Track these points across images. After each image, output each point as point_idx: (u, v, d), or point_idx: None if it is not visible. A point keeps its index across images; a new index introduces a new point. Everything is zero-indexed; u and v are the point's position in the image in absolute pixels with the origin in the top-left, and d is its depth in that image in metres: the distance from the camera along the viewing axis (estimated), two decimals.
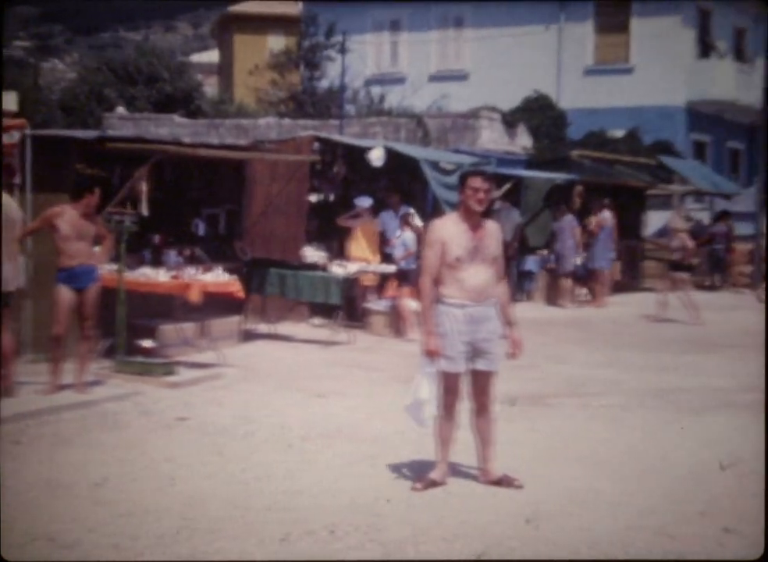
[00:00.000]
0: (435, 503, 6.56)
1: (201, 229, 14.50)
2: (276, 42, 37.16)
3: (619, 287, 21.23)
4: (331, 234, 16.39)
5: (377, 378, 11.31)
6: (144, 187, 11.97)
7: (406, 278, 14.71)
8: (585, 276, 19.58)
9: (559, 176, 20.52)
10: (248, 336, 13.62)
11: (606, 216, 19.72)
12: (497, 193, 17.56)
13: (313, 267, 14.59)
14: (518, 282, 19.34)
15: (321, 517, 6.17)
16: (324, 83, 30.95)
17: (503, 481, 6.91)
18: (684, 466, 7.64)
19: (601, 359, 13.01)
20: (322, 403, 9.85)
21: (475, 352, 6.86)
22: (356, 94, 30.65)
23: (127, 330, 10.81)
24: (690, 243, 17.33)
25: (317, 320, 15.15)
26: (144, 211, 11.90)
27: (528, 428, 8.84)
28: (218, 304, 12.46)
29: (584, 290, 19.98)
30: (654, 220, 24.89)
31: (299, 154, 15.22)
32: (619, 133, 29.72)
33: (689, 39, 31.90)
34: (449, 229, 6.87)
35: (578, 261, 19.31)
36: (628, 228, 22.13)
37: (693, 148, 32.46)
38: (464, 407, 7.07)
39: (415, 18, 34.03)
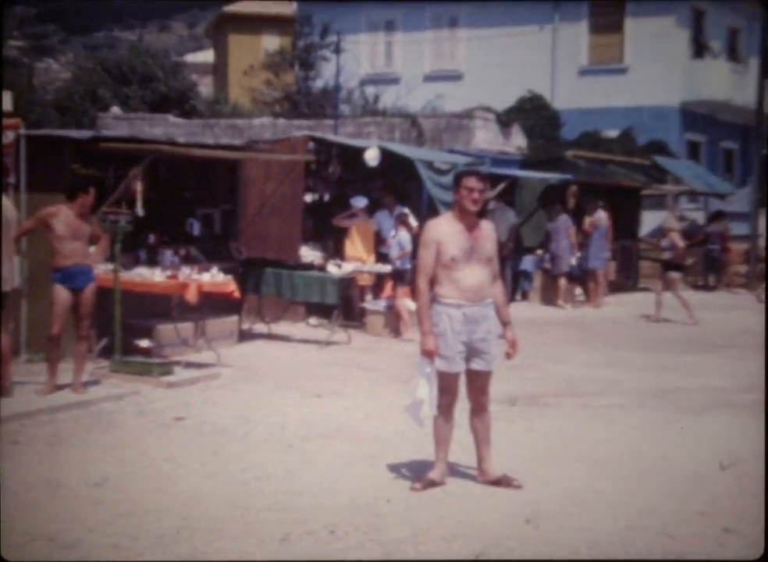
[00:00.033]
0: (434, 503, 6.55)
1: (196, 228, 14.47)
2: (271, 42, 37.13)
3: (614, 287, 21.23)
4: (326, 234, 16.38)
5: (375, 378, 11.30)
6: (138, 187, 11.94)
7: (402, 278, 14.70)
8: (581, 276, 19.58)
9: (553, 176, 20.53)
10: (245, 336, 13.61)
11: (601, 216, 19.73)
12: (492, 193, 17.56)
13: (309, 267, 14.58)
14: (514, 282, 19.34)
15: (320, 517, 6.16)
16: (319, 83, 30.98)
17: (501, 481, 6.90)
18: (683, 466, 7.64)
19: (599, 359, 13.01)
20: (320, 403, 9.83)
21: (472, 352, 6.85)
22: (350, 94, 30.67)
23: (124, 330, 10.79)
24: (680, 243, 17.33)
25: (314, 320, 15.14)
26: (139, 211, 11.87)
27: (527, 428, 8.83)
28: (214, 304, 12.45)
29: (580, 290, 19.98)
30: (649, 220, 24.89)
31: (294, 154, 15.21)
32: (613, 133, 29.77)
33: (683, 39, 31.94)
34: (445, 229, 6.86)
35: (574, 261, 19.31)
36: (623, 228, 22.14)
37: (687, 148, 32.51)
38: (463, 406, 7.05)
39: (410, 18, 34.04)
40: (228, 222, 14.78)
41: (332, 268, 14.40)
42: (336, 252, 15.85)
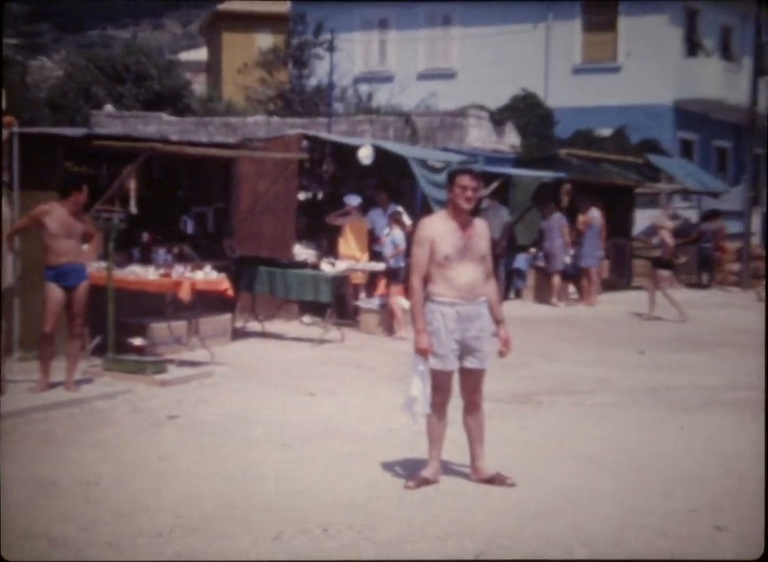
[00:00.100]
0: (428, 501, 6.55)
1: (190, 227, 14.46)
2: (265, 40, 37.08)
3: (608, 285, 21.26)
4: (320, 232, 16.37)
5: (368, 376, 11.30)
6: (132, 185, 11.92)
7: (395, 276, 14.70)
8: (575, 274, 19.59)
9: (547, 175, 20.55)
10: (238, 335, 13.59)
11: (594, 215, 19.74)
12: (485, 192, 17.56)
13: (302, 265, 14.56)
14: (507, 281, 19.35)
15: (314, 516, 6.16)
16: (312, 82, 30.96)
17: (495, 480, 6.90)
18: (676, 464, 7.64)
19: (593, 357, 13.02)
20: (313, 401, 9.83)
21: (466, 350, 6.85)
22: (344, 93, 30.65)
23: (117, 328, 10.77)
24: (670, 241, 17.37)
25: (307, 318, 15.13)
26: (133, 209, 11.86)
27: (521, 427, 8.84)
28: (207, 302, 12.43)
29: (573, 289, 20.00)
30: (642, 218, 24.93)
31: (287, 152, 15.20)
32: (606, 131, 29.79)
33: (676, 38, 31.97)
34: (438, 227, 6.86)
35: (568, 259, 19.32)
36: (616, 226, 22.15)
37: (680, 147, 32.54)
38: (456, 405, 7.05)
39: (403, 16, 34.03)
40: (221, 220, 14.76)
41: (326, 267, 14.39)
42: (330, 250, 15.85)
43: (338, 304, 14.49)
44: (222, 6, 42.12)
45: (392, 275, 14.79)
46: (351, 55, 32.18)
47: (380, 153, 15.94)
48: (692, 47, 32.64)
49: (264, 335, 13.98)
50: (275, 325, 14.60)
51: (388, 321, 14.48)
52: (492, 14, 32.25)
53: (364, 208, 15.85)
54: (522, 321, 15.69)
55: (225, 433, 8.38)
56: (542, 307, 18.75)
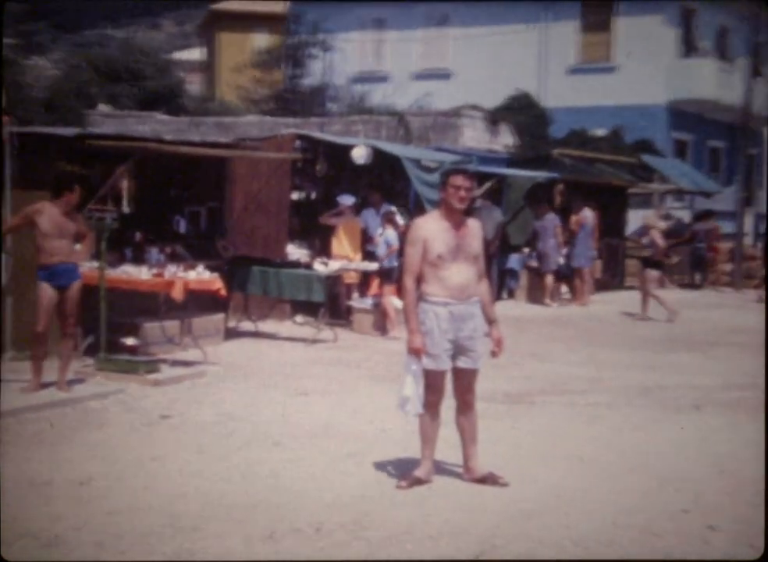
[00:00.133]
0: (420, 501, 6.55)
1: (183, 226, 14.46)
2: (261, 40, 37.08)
3: (600, 285, 21.28)
4: (313, 232, 16.37)
5: (361, 376, 11.29)
6: (125, 185, 11.91)
7: (388, 276, 14.69)
8: (568, 274, 19.61)
9: (540, 175, 20.56)
10: (231, 334, 13.59)
11: (587, 215, 19.76)
12: (479, 192, 17.56)
13: (295, 265, 14.56)
14: (500, 281, 19.37)
15: (306, 515, 6.16)
16: (307, 82, 30.93)
17: (487, 479, 6.90)
18: (669, 464, 7.65)
19: (585, 357, 13.03)
20: (306, 401, 9.83)
21: (459, 350, 6.85)
22: (339, 93, 30.64)
23: (109, 328, 10.76)
24: (660, 241, 17.39)
25: (300, 318, 15.13)
26: (125, 208, 11.84)
27: (514, 427, 8.84)
28: (200, 301, 12.43)
29: (566, 289, 20.02)
30: (635, 218, 24.96)
31: (281, 152, 15.19)
32: (601, 131, 29.79)
33: (672, 38, 31.98)
34: (431, 227, 6.85)
35: (561, 259, 19.34)
36: (609, 226, 22.19)
37: (674, 147, 32.56)
38: (449, 405, 7.05)
39: (399, 16, 34.01)
40: (214, 219, 14.77)
41: (319, 266, 14.39)
42: (323, 250, 15.85)
43: (331, 304, 14.48)
44: (218, 6, 42.09)
45: (385, 274, 14.78)
46: (347, 55, 32.18)
47: (374, 153, 15.94)
48: (688, 47, 32.66)
49: (257, 334, 13.98)
50: (267, 325, 14.60)
51: (381, 321, 14.47)
52: (488, 14, 32.25)
53: (357, 208, 15.85)
54: (515, 321, 15.71)
55: (217, 433, 8.37)
56: (535, 307, 18.76)
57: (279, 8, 36.49)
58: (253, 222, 15.03)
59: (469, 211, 7.58)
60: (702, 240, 24.11)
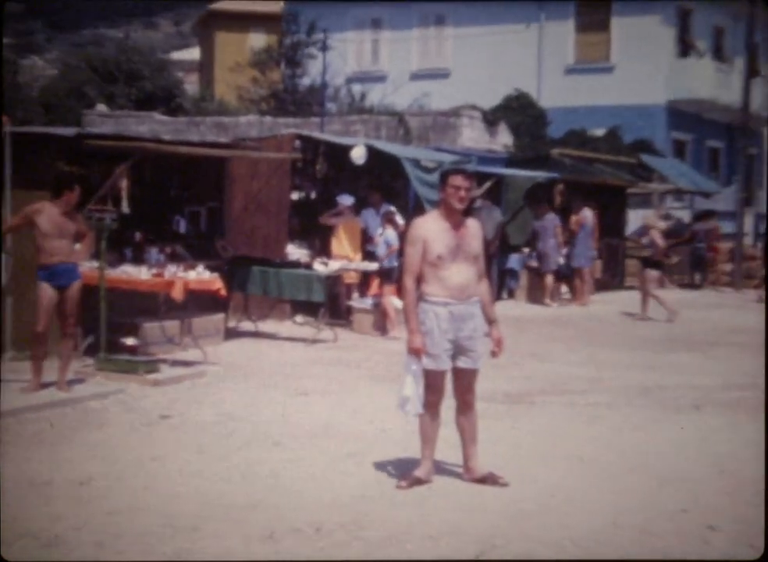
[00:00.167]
0: (420, 501, 6.54)
1: (182, 226, 14.45)
2: (257, 40, 37.10)
3: (600, 285, 21.29)
4: (313, 232, 16.37)
5: (361, 376, 11.29)
6: (124, 185, 11.91)
7: (388, 276, 14.69)
8: (568, 274, 19.61)
9: (539, 175, 20.55)
10: (231, 334, 13.59)
11: (586, 215, 19.76)
12: (478, 192, 17.57)
13: (295, 265, 14.56)
14: (500, 281, 19.37)
15: (306, 515, 6.15)
16: (305, 81, 30.94)
17: (487, 479, 6.90)
18: (669, 464, 7.65)
19: (585, 357, 13.03)
20: (306, 401, 9.82)
21: (459, 350, 6.85)
22: (337, 92, 30.64)
23: (109, 328, 10.75)
24: (659, 241, 17.40)
25: (300, 318, 15.13)
26: (125, 208, 11.84)
27: (514, 427, 8.83)
28: (200, 301, 12.42)
29: (566, 289, 20.02)
30: (635, 218, 24.97)
31: (280, 152, 15.20)
32: (599, 131, 29.81)
33: (669, 38, 31.99)
34: (431, 227, 6.85)
35: (561, 260, 19.34)
36: (609, 226, 22.20)
37: (673, 147, 32.58)
38: (449, 405, 7.05)
39: (396, 16, 34.02)
40: (214, 219, 14.76)
41: (319, 266, 14.38)
42: (323, 250, 15.85)
43: (331, 304, 14.48)
44: (215, 6, 42.11)
45: (385, 274, 14.78)
46: (344, 55, 32.19)
47: (373, 153, 15.94)
48: (685, 47, 32.67)
49: (256, 334, 13.97)
50: (267, 325, 14.59)
51: (381, 321, 14.47)
52: (485, 14, 32.26)
53: (356, 208, 15.85)
54: (515, 321, 15.71)
55: (217, 433, 8.37)
56: (535, 307, 18.76)
57: (276, 7, 36.50)
58: (253, 222, 15.03)
59: (469, 211, 7.58)
60: (702, 240, 24.12)
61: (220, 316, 13.30)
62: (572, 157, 24.50)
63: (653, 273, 17.27)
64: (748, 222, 27.96)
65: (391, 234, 14.86)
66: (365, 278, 15.62)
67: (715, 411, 9.65)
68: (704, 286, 23.98)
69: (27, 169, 11.30)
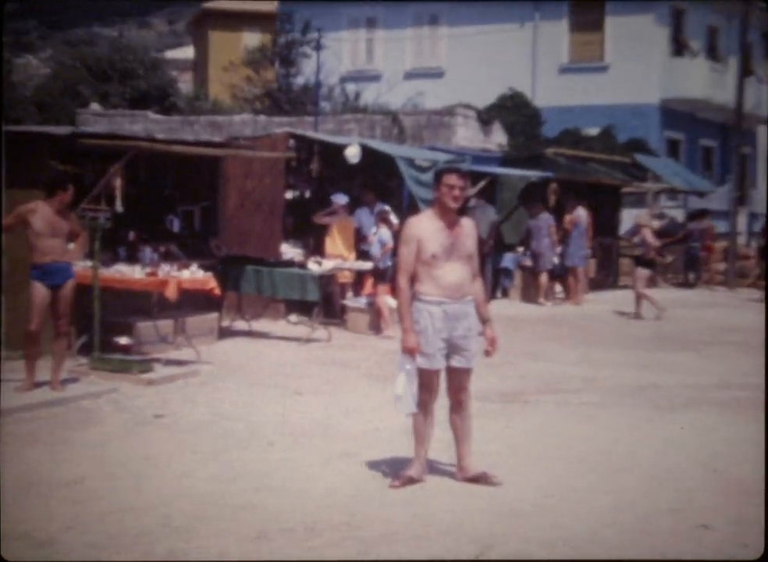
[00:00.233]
0: (413, 500, 6.54)
1: (176, 225, 14.42)
2: (251, 39, 37.08)
3: (594, 285, 21.30)
4: (307, 231, 16.36)
5: (355, 375, 11.29)
6: (118, 184, 11.88)
7: (382, 275, 14.69)
8: (563, 274, 19.62)
9: (534, 174, 20.56)
10: (225, 334, 13.57)
11: (580, 214, 19.78)
12: (472, 191, 17.56)
13: (289, 264, 14.55)
14: (494, 280, 19.36)
15: (298, 515, 6.15)
16: (299, 80, 30.93)
17: (480, 479, 6.90)
18: (662, 463, 7.65)
19: (579, 356, 13.03)
20: (300, 400, 9.82)
21: (452, 349, 6.85)
22: (331, 91, 30.64)
23: (103, 327, 10.74)
24: (651, 240, 17.42)
25: (294, 317, 15.11)
26: (119, 207, 11.81)
27: (507, 426, 8.83)
28: (194, 301, 12.41)
29: (560, 288, 20.03)
30: (629, 218, 24.97)
31: (274, 151, 15.18)
32: (593, 130, 29.85)
33: (663, 38, 32.04)
34: (425, 226, 6.85)
35: (555, 259, 19.35)
36: (603, 226, 22.21)
37: (667, 146, 32.62)
38: (443, 403, 7.05)
39: (391, 15, 34.03)
40: (208, 219, 14.73)
41: (313, 266, 14.38)
42: (317, 249, 15.83)
43: (325, 303, 14.48)
44: (209, 4, 42.09)
45: (379, 274, 14.78)
46: (338, 54, 32.17)
47: (367, 152, 15.94)
48: (679, 47, 32.72)
49: (250, 334, 13.96)
50: (261, 324, 14.57)
51: (375, 320, 14.47)
52: (479, 13, 32.29)
53: (351, 207, 15.84)
54: (509, 320, 15.71)
55: (210, 432, 8.37)
56: (529, 307, 18.77)
57: (270, 6, 36.50)
58: (247, 221, 15.01)
59: (463, 211, 7.58)
60: (696, 240, 24.14)
61: (214, 315, 13.28)
62: (566, 156, 24.51)
63: (644, 272, 17.30)
64: (742, 222, 28.00)
65: (385, 233, 14.86)
66: (359, 277, 15.61)
67: (709, 410, 9.66)
68: (698, 285, 24.01)
69: (21, 168, 11.27)
